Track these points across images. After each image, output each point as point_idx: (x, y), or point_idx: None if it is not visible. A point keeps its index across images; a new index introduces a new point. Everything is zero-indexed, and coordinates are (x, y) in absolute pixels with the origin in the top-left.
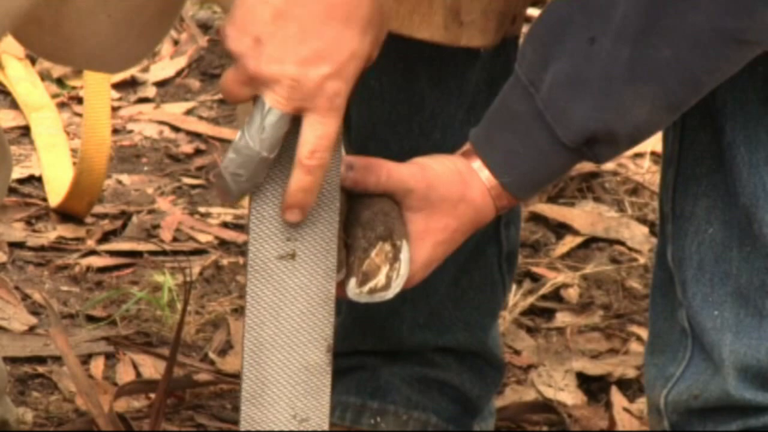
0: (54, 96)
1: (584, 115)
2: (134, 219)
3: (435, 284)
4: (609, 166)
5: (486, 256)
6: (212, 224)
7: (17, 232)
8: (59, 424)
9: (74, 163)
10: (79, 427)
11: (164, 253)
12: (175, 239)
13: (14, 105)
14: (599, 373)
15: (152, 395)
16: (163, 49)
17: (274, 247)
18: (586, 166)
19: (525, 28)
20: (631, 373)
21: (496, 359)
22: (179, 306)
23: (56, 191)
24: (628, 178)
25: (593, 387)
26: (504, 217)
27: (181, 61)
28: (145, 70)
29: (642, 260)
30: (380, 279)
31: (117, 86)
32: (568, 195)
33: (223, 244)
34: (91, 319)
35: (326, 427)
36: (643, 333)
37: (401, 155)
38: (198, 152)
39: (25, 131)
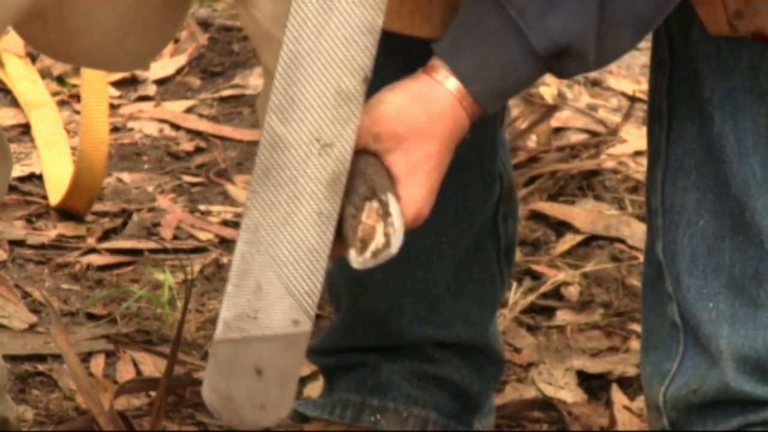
0: (54, 94)
1: (563, 24)
2: (134, 217)
3: (435, 279)
4: (609, 164)
5: (485, 250)
6: (213, 222)
7: (17, 230)
8: (59, 422)
9: (74, 162)
10: (80, 426)
11: (165, 251)
12: (175, 237)
13: (14, 103)
14: (599, 371)
15: (153, 393)
16: None
17: None
18: (586, 164)
19: None
20: (632, 371)
21: (496, 354)
22: (180, 304)
23: (56, 189)
24: (628, 176)
25: (593, 385)
26: (502, 212)
27: (182, 59)
28: (144, 66)
29: (642, 258)
30: (379, 239)
31: (117, 84)
32: (568, 193)
33: (223, 242)
34: (91, 317)
35: (349, 157)
36: None
37: None
38: (198, 150)
39: (25, 129)
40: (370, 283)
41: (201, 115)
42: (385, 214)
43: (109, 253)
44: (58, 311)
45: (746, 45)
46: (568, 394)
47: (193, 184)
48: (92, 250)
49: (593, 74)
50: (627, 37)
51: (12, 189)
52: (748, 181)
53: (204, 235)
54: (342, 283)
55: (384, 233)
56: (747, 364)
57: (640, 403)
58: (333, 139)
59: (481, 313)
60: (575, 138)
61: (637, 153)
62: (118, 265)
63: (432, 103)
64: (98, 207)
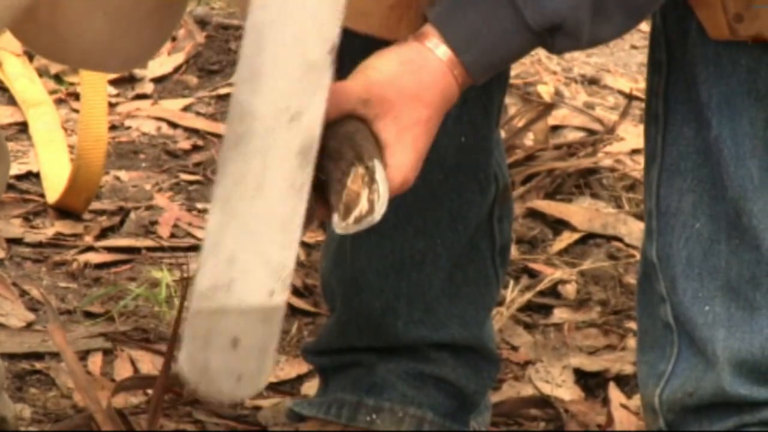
0: (52, 92)
1: (558, 0)
2: (132, 215)
3: (430, 280)
4: (606, 162)
5: (480, 251)
6: None
7: (15, 228)
8: (57, 420)
9: (72, 160)
10: (77, 424)
11: (162, 249)
12: (172, 235)
13: (12, 101)
14: (597, 369)
15: (150, 391)
16: None
17: None
18: (583, 162)
19: None
20: (629, 369)
21: (492, 353)
22: (177, 302)
23: (54, 187)
24: (625, 175)
25: (591, 383)
26: (497, 213)
27: (179, 58)
28: (143, 66)
29: (639, 256)
30: (363, 205)
31: (114, 82)
32: (565, 191)
33: None
34: (89, 315)
35: (319, 127)
36: None
37: None
38: (196, 148)
39: (22, 127)
40: (364, 286)
41: (198, 114)
42: (370, 181)
43: (106, 251)
44: (55, 309)
45: (744, 49)
46: (566, 391)
47: (191, 182)
48: (90, 248)
49: (591, 73)
50: (621, 18)
51: (9, 187)
52: (745, 184)
53: (201, 233)
54: (335, 285)
55: (368, 199)
56: (743, 367)
57: (637, 400)
58: (302, 108)
59: (476, 313)
60: (572, 136)
61: (635, 151)
62: (115, 263)
63: (423, 69)
64: (96, 205)
